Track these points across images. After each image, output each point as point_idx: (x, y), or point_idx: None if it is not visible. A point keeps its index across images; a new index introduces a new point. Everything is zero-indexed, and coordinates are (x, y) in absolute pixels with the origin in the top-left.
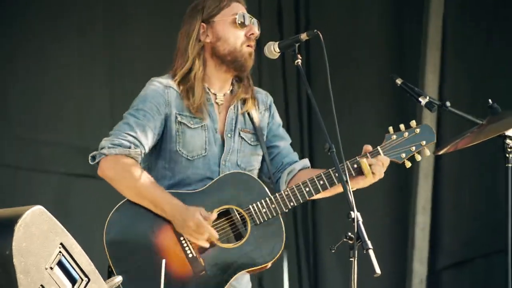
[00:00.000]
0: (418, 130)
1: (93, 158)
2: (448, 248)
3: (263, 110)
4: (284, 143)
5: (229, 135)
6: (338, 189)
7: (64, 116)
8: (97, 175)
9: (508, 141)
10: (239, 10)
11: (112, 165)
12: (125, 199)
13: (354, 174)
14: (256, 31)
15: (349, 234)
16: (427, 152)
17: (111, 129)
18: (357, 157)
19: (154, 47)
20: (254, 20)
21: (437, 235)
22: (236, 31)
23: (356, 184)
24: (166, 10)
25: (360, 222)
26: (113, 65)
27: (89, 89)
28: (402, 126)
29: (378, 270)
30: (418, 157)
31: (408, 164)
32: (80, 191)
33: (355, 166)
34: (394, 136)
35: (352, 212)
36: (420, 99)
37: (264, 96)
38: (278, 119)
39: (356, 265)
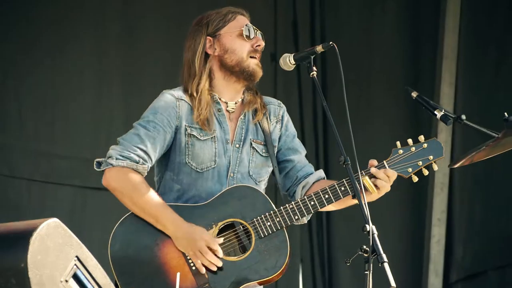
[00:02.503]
0: (425, 145)
1: (99, 164)
2: (461, 260)
3: (275, 122)
4: (299, 156)
5: (237, 145)
6: (347, 202)
7: (79, 129)
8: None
9: None
10: (245, 23)
11: (118, 177)
12: (129, 213)
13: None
14: (262, 42)
15: (364, 247)
16: (435, 167)
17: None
18: (361, 172)
19: (171, 61)
20: (259, 32)
21: (451, 248)
22: (242, 42)
23: (346, 203)
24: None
25: (375, 235)
26: (130, 80)
27: (105, 102)
28: (410, 141)
29: (393, 283)
30: (426, 172)
31: (415, 179)
32: (95, 204)
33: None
34: (401, 151)
35: (367, 225)
36: (435, 112)
37: (276, 106)
38: (292, 129)
39: (371, 278)
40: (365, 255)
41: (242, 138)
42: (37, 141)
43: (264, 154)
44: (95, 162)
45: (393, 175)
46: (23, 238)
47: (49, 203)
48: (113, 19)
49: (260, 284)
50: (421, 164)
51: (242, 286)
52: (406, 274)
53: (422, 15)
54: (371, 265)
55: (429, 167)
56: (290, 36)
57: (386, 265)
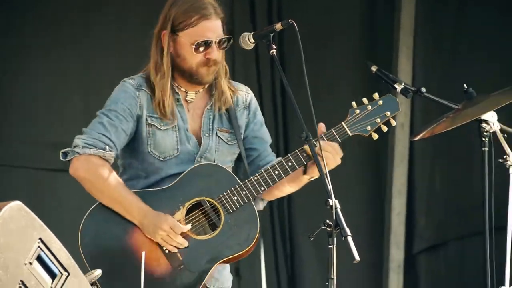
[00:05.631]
0: (381, 102)
1: (65, 154)
2: (422, 232)
3: (242, 108)
4: (264, 146)
5: (206, 134)
6: (301, 180)
7: (35, 111)
8: (67, 168)
9: (484, 125)
10: (206, 31)
11: (85, 165)
12: (96, 204)
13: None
14: (214, 54)
15: (327, 221)
16: (393, 122)
17: (86, 123)
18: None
19: (128, 45)
20: (222, 39)
21: (412, 220)
22: (194, 53)
23: (312, 172)
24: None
25: (339, 210)
26: (87, 61)
27: (62, 84)
28: (365, 100)
29: (357, 257)
30: (385, 128)
31: (375, 136)
32: (54, 186)
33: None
34: (358, 110)
35: (330, 200)
36: (395, 85)
37: (244, 93)
38: (260, 117)
39: (335, 253)
40: (329, 229)
41: (210, 127)
42: None
43: (229, 142)
44: (60, 153)
45: (332, 146)
46: None
47: (7, 186)
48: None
49: (234, 259)
50: (379, 121)
51: (217, 263)
52: (368, 246)
53: None
54: (335, 239)
55: (387, 123)
56: (247, 14)
57: (350, 239)
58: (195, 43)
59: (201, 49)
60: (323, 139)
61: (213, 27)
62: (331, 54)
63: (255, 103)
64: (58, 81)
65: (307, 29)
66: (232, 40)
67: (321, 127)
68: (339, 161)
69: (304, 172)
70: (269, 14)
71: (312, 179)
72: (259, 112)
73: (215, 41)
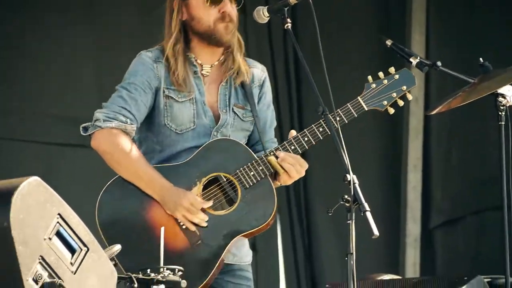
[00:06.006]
0: (397, 76)
1: (85, 129)
2: (440, 206)
3: (257, 86)
4: (263, 127)
5: (224, 110)
6: (276, 185)
7: (49, 86)
8: (84, 144)
9: (500, 99)
10: None
11: (107, 139)
12: (113, 179)
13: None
14: (228, 8)
15: (346, 196)
16: (409, 97)
17: (99, 98)
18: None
19: (140, 19)
20: None
21: (429, 194)
22: (208, 10)
23: (283, 181)
24: None
25: (357, 185)
26: (99, 35)
27: (74, 58)
28: (381, 74)
29: (376, 232)
30: (401, 103)
31: (391, 111)
32: (68, 160)
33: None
34: (374, 85)
35: (347, 175)
36: (411, 59)
37: (260, 71)
38: (269, 98)
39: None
40: (347, 204)
41: (227, 103)
42: (9, 100)
43: (244, 119)
44: (81, 128)
45: (297, 159)
46: (4, 197)
47: (21, 160)
48: None
49: (251, 234)
50: (395, 96)
51: (234, 239)
52: (384, 221)
53: None
54: (353, 214)
55: (403, 97)
56: None
57: (369, 214)
58: None
59: (213, 2)
60: (337, 115)
61: None
62: (344, 30)
63: (268, 84)
64: (69, 55)
65: (319, 5)
66: None
67: (292, 133)
68: (303, 173)
69: (275, 179)
70: None
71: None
72: (269, 93)
73: None
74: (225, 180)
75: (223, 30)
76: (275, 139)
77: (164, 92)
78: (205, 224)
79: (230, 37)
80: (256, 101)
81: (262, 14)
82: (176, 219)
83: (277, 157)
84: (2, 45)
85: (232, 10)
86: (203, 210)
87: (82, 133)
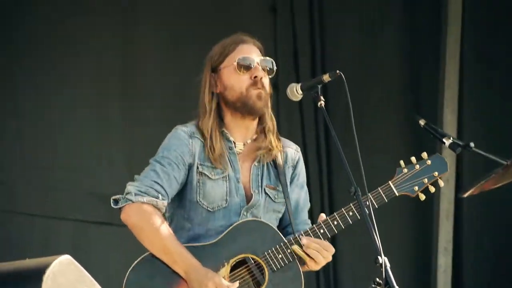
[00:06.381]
0: (429, 162)
1: (116, 202)
2: None
3: (290, 166)
4: (295, 208)
5: (256, 191)
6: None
7: (80, 163)
8: (114, 221)
9: None
10: (244, 52)
11: (138, 213)
12: (140, 257)
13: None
14: (260, 73)
15: (377, 279)
16: (441, 183)
17: (129, 175)
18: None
19: (171, 95)
20: (263, 59)
21: (459, 278)
22: (239, 76)
23: (310, 266)
24: (182, 51)
25: (388, 267)
26: (130, 111)
27: (105, 135)
28: (413, 159)
29: None
30: (432, 189)
31: (423, 197)
32: (98, 238)
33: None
34: (406, 170)
35: (379, 257)
36: (444, 140)
37: (293, 151)
38: (302, 179)
39: None
40: (378, 287)
41: (259, 184)
42: (38, 175)
43: (276, 200)
44: (111, 200)
45: (322, 244)
46: (35, 276)
47: (51, 237)
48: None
49: None
50: (426, 182)
51: None
52: None
53: (423, 42)
54: None
55: (435, 183)
56: (291, 66)
57: None
58: (237, 61)
59: (245, 68)
60: (368, 199)
61: (252, 49)
62: (374, 107)
63: (302, 165)
64: (99, 130)
65: (351, 84)
66: (276, 66)
67: (322, 216)
68: (330, 258)
69: (304, 262)
70: (313, 66)
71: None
72: (303, 174)
73: (257, 62)
74: (253, 262)
75: (256, 97)
76: (309, 221)
77: (198, 168)
78: None
79: (263, 104)
80: (288, 182)
81: (295, 92)
82: None
83: (301, 246)
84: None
85: (264, 77)
86: None
87: (112, 205)
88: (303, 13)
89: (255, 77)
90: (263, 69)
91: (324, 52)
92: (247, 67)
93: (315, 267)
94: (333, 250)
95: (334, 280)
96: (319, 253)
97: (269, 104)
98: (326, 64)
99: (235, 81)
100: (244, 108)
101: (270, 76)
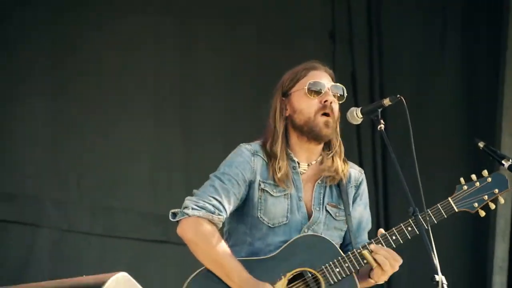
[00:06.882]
0: (490, 179)
1: (174, 215)
2: None
3: (353, 186)
4: (358, 227)
5: (317, 208)
6: (368, 282)
7: (137, 182)
8: (171, 240)
9: None
10: (315, 78)
11: (193, 227)
12: (195, 272)
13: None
14: (330, 97)
15: None
16: (502, 200)
17: (186, 195)
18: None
19: (228, 119)
20: (334, 85)
21: None
22: (309, 100)
23: (377, 277)
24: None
25: (445, 285)
26: (188, 131)
27: (163, 155)
28: (473, 176)
29: None
30: (493, 206)
31: (483, 213)
32: (154, 257)
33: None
34: (466, 187)
35: (436, 276)
36: (503, 161)
37: (357, 172)
38: (365, 200)
39: None
40: None
41: (321, 201)
42: (95, 195)
43: (337, 218)
44: (170, 213)
45: (391, 253)
46: None
47: (108, 257)
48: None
49: None
50: (487, 198)
51: None
52: None
53: (481, 66)
54: None
55: (495, 201)
56: (349, 89)
57: None
58: (307, 86)
59: (315, 93)
60: (427, 214)
61: (323, 75)
62: (430, 129)
63: (365, 186)
64: (159, 152)
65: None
66: (346, 92)
67: (380, 231)
68: (397, 268)
69: (369, 276)
70: (371, 88)
71: (377, 283)
72: (366, 195)
73: (328, 87)
74: (310, 275)
75: (323, 124)
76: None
77: (260, 185)
78: None
79: (329, 132)
80: (351, 201)
81: (355, 115)
82: None
83: (370, 251)
84: (90, 138)
85: (334, 102)
86: None
87: (171, 218)
88: (361, 38)
89: (325, 101)
90: (334, 95)
91: (382, 74)
92: (317, 92)
93: (382, 276)
94: (400, 260)
95: None
96: (387, 260)
97: (338, 129)
98: (384, 87)
99: (304, 105)
100: (310, 134)
101: (340, 102)
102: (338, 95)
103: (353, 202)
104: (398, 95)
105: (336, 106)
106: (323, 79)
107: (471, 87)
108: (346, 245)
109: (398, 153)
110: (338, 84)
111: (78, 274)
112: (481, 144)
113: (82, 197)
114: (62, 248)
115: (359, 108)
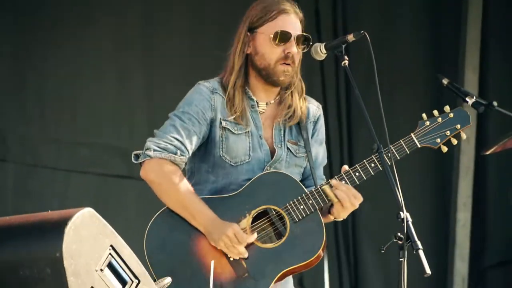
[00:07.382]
0: (452, 115)
1: (137, 157)
2: (492, 246)
3: (311, 122)
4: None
5: (279, 145)
6: (329, 219)
7: (101, 117)
8: (134, 175)
9: None
10: (284, 25)
11: (156, 169)
12: (161, 210)
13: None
14: (293, 49)
15: (399, 234)
16: (464, 136)
17: (149, 130)
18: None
19: (193, 50)
20: (300, 35)
21: (480, 233)
22: (272, 48)
23: (337, 214)
24: (208, 11)
25: (410, 223)
26: (152, 66)
27: (126, 90)
28: (435, 112)
29: (428, 270)
30: (455, 141)
31: (445, 149)
32: (118, 192)
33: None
34: (428, 122)
35: (401, 212)
36: (467, 99)
37: (315, 107)
38: (322, 136)
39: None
40: (400, 242)
41: (282, 139)
42: (59, 129)
43: (298, 155)
44: (133, 155)
45: (351, 190)
46: (57, 228)
47: (72, 191)
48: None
49: (299, 269)
50: (449, 134)
51: (281, 272)
52: (432, 259)
53: (445, 2)
54: (406, 252)
55: (457, 136)
56: (313, 25)
57: (421, 252)
58: (274, 34)
59: (281, 41)
60: (390, 150)
61: (292, 22)
62: (395, 67)
63: (322, 122)
64: (122, 87)
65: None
66: (310, 43)
67: (344, 168)
68: (356, 205)
69: (329, 212)
70: (334, 25)
71: (336, 219)
72: (323, 131)
73: (294, 36)
74: (274, 213)
75: (281, 73)
76: (324, 177)
77: (221, 123)
78: (246, 256)
79: (287, 80)
80: (310, 137)
81: (319, 51)
82: (223, 252)
83: (331, 186)
84: (54, 73)
85: (296, 52)
86: (251, 243)
87: (133, 160)
88: None
89: (288, 52)
90: (298, 44)
91: (346, 12)
92: (282, 41)
93: (342, 212)
94: (361, 198)
95: (352, 235)
96: (348, 198)
97: (298, 72)
98: (348, 24)
99: (267, 51)
100: (268, 79)
101: (304, 51)
102: (303, 44)
103: (311, 138)
104: (362, 31)
105: (298, 55)
106: (291, 27)
107: (434, 24)
108: (303, 179)
109: (362, 89)
110: (305, 34)
111: (43, 209)
112: (445, 81)
113: (46, 132)
114: (26, 183)
115: (323, 44)
